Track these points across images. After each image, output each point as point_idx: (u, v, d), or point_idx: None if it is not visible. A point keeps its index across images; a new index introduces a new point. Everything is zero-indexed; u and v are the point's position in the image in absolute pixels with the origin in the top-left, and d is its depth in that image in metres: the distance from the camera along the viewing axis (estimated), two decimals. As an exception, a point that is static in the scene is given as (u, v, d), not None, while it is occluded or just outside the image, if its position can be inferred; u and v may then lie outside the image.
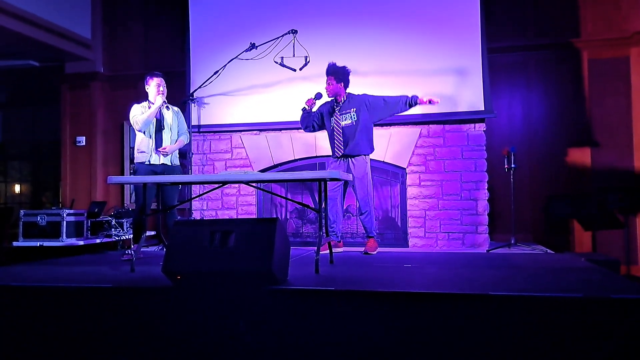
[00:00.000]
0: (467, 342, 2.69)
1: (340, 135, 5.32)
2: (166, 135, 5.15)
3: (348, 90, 5.41)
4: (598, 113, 6.66)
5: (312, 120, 5.47)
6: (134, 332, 3.09)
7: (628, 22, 6.61)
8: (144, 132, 5.09)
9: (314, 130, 5.58)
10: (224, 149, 6.65)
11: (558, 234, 6.62)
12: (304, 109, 5.47)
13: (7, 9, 6.50)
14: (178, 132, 5.29)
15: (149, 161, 5.08)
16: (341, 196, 5.37)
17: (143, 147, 5.11)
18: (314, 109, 5.50)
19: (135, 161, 5.19)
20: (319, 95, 5.47)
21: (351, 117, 5.30)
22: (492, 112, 6.00)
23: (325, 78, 5.35)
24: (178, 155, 5.34)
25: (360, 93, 5.41)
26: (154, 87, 5.15)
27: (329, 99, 5.46)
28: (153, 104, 5.14)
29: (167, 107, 5.22)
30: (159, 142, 5.10)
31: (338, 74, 5.30)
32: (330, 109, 5.42)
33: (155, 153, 5.07)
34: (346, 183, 5.31)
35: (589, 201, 6.49)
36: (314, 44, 5.98)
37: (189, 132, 5.63)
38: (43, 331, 3.20)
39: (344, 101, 5.36)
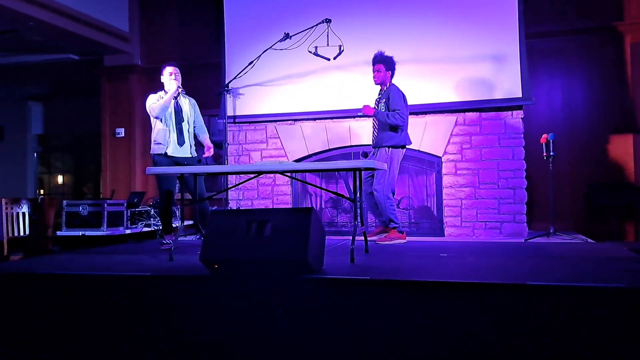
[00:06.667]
0: (505, 332, 2.66)
1: (375, 124, 5.32)
2: (185, 127, 5.10)
3: (393, 81, 5.34)
4: (641, 99, 6.46)
5: None
6: (172, 318, 3.16)
7: (674, 4, 6.39)
8: (162, 122, 5.00)
9: None
10: (259, 139, 6.70)
11: (599, 223, 6.46)
12: None
13: (49, 4, 6.66)
14: (195, 122, 5.25)
15: (165, 153, 5.00)
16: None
17: (160, 138, 5.00)
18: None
19: (151, 152, 5.08)
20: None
21: (381, 107, 5.25)
22: (530, 99, 5.87)
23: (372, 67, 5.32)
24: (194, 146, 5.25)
25: (396, 85, 5.30)
26: (167, 76, 5.06)
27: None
28: (167, 92, 5.09)
29: (184, 95, 5.14)
30: (179, 133, 5.04)
31: (387, 63, 5.26)
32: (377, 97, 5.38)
33: (206, 154, 5.11)
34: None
35: (631, 189, 6.31)
36: (348, 32, 5.97)
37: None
38: (85, 318, 3.29)
39: (385, 90, 5.30)
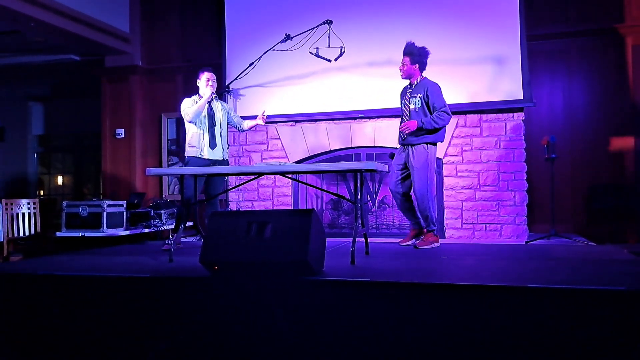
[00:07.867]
0: (505, 334, 2.65)
1: (405, 118, 4.99)
2: (217, 131, 5.22)
3: (424, 74, 5.02)
4: (642, 101, 6.46)
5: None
6: (172, 320, 3.15)
7: (675, 6, 6.38)
8: (196, 125, 5.14)
9: None
10: (259, 140, 6.70)
11: (600, 225, 6.45)
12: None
13: (50, 5, 6.65)
14: (232, 122, 5.45)
15: (199, 155, 5.13)
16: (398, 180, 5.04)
17: (194, 141, 5.16)
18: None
19: (186, 154, 5.24)
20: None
21: (416, 102, 4.93)
22: (531, 101, 5.87)
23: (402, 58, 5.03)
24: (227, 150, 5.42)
25: (431, 80, 5.00)
26: (204, 81, 5.19)
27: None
28: (202, 97, 5.19)
29: (215, 98, 5.28)
30: (212, 137, 5.17)
31: (413, 55, 4.96)
32: (404, 92, 5.10)
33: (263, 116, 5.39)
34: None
35: (632, 191, 6.30)
36: (349, 34, 5.97)
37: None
38: (85, 318, 3.28)
39: (416, 84, 4.99)
